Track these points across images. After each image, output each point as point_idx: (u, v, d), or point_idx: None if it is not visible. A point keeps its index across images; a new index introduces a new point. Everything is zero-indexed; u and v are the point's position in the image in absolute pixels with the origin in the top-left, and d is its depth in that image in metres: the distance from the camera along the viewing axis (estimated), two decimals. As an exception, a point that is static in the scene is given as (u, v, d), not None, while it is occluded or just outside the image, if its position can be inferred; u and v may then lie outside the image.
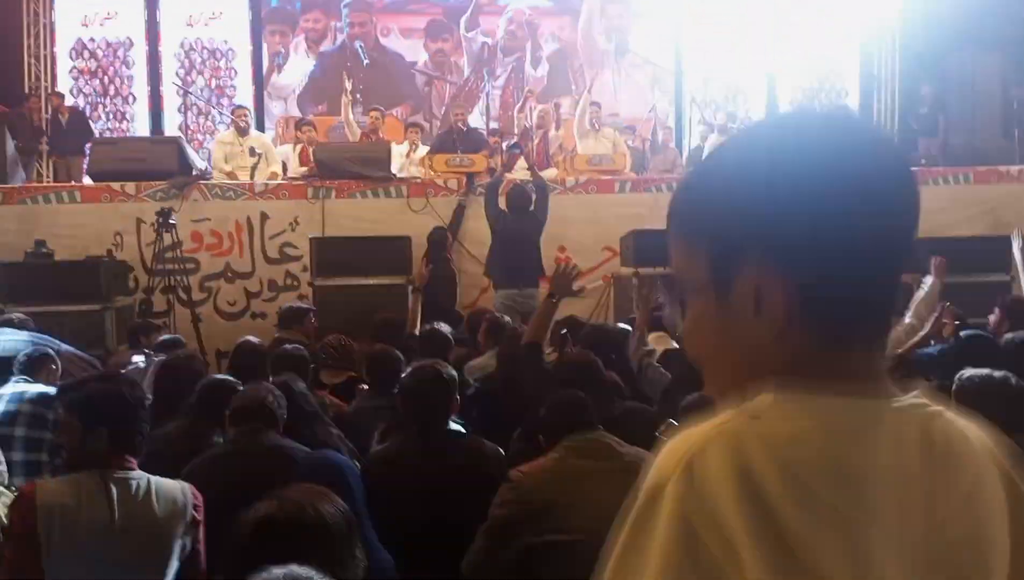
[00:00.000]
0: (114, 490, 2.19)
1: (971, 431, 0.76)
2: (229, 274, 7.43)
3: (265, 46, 10.88)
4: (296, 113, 10.63)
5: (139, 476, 2.27)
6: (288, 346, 4.54)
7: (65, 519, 2.13)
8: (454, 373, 3.00)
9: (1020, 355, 3.68)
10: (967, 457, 0.73)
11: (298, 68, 11.09)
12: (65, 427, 2.32)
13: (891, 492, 0.69)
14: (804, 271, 0.71)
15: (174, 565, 2.25)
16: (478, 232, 7.40)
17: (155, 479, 2.30)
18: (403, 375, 2.96)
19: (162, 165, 7.45)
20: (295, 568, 1.22)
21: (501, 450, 2.97)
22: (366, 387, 4.23)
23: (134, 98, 10.77)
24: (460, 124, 8.60)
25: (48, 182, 9.18)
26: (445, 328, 4.65)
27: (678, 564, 0.65)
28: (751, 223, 0.72)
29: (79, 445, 2.25)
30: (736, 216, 0.72)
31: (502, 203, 6.92)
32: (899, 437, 0.71)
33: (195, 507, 2.33)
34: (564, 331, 4.85)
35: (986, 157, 8.53)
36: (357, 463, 2.91)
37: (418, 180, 7.86)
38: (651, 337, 4.58)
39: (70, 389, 2.39)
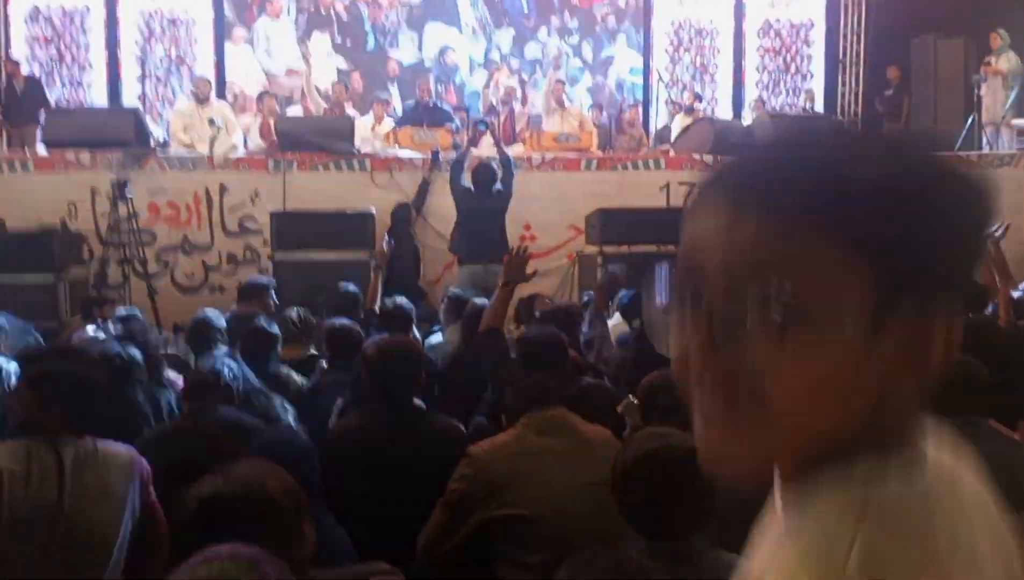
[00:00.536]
0: (63, 455, 2.19)
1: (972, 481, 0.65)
2: (187, 247, 7.28)
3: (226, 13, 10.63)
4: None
5: (86, 441, 2.27)
6: (254, 320, 4.46)
7: (13, 483, 2.12)
8: (421, 349, 2.96)
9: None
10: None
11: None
12: (20, 398, 2.31)
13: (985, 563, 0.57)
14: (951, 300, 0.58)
15: (127, 523, 2.26)
16: (442, 208, 7.33)
17: (102, 443, 2.31)
18: (369, 349, 2.91)
19: (119, 135, 7.26)
20: (239, 547, 1.17)
21: (462, 427, 2.95)
22: (325, 363, 4.18)
23: (91, 66, 10.47)
24: (427, 98, 8.51)
25: (0, 151, 8.91)
26: (407, 304, 4.59)
27: None
28: (918, 246, 0.54)
29: (29, 417, 2.25)
30: (940, 237, 0.55)
31: (467, 179, 6.86)
32: (966, 500, 0.60)
33: (141, 464, 2.36)
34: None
35: (948, 143, 8.63)
36: (313, 438, 2.87)
37: (382, 154, 7.75)
38: (611, 322, 4.58)
39: (31, 360, 2.39)
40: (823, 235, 0.54)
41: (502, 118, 8.97)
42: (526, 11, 11.20)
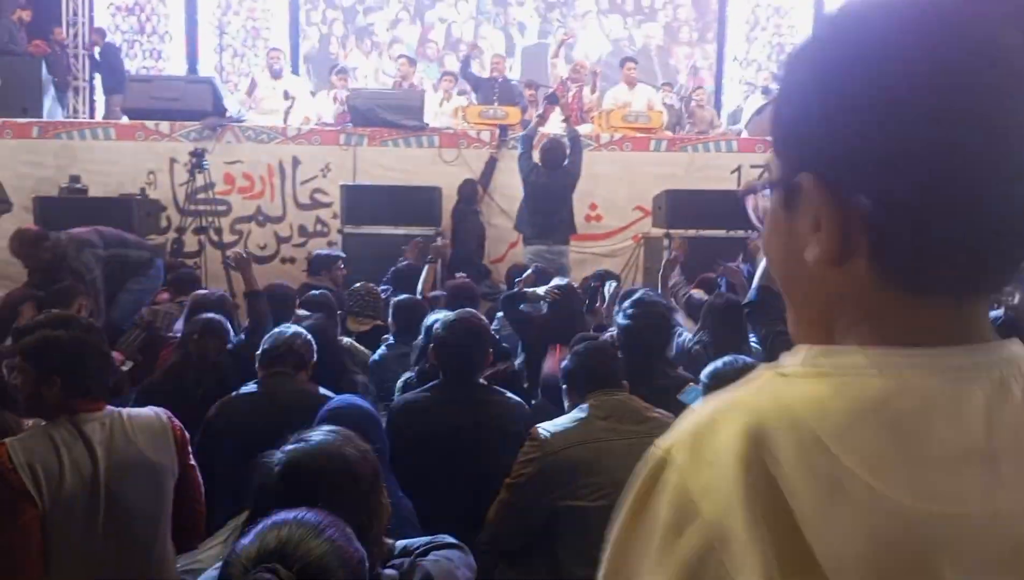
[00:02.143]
0: (90, 434, 2.10)
1: None
2: (260, 217, 7.46)
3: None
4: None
5: (108, 413, 2.18)
6: (317, 292, 4.57)
7: (49, 473, 2.01)
8: (488, 325, 2.99)
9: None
10: None
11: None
12: (20, 372, 2.17)
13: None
14: (870, 198, 0.57)
15: (168, 490, 2.22)
16: (509, 186, 7.34)
17: (126, 411, 2.22)
18: (437, 326, 2.95)
19: (196, 105, 7.44)
20: (306, 512, 1.21)
21: (525, 404, 2.98)
22: (391, 337, 4.25)
23: (170, 37, 10.74)
24: (498, 74, 8.51)
25: (83, 117, 9.22)
26: (471, 282, 4.63)
27: (674, 543, 0.57)
28: (814, 130, 0.59)
29: (35, 390, 2.13)
30: (803, 121, 0.60)
31: (535, 157, 6.85)
32: (959, 399, 0.58)
33: (175, 428, 2.27)
34: (594, 284, 4.84)
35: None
36: (382, 410, 2.93)
37: (451, 130, 7.79)
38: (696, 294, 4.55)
39: (23, 332, 2.21)
40: (774, 142, 0.65)
41: (571, 95, 8.91)
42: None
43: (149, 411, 2.27)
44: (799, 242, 0.62)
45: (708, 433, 0.59)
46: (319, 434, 1.52)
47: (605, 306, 4.13)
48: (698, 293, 4.47)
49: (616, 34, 10.90)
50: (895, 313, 0.60)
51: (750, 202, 0.68)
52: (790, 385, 0.61)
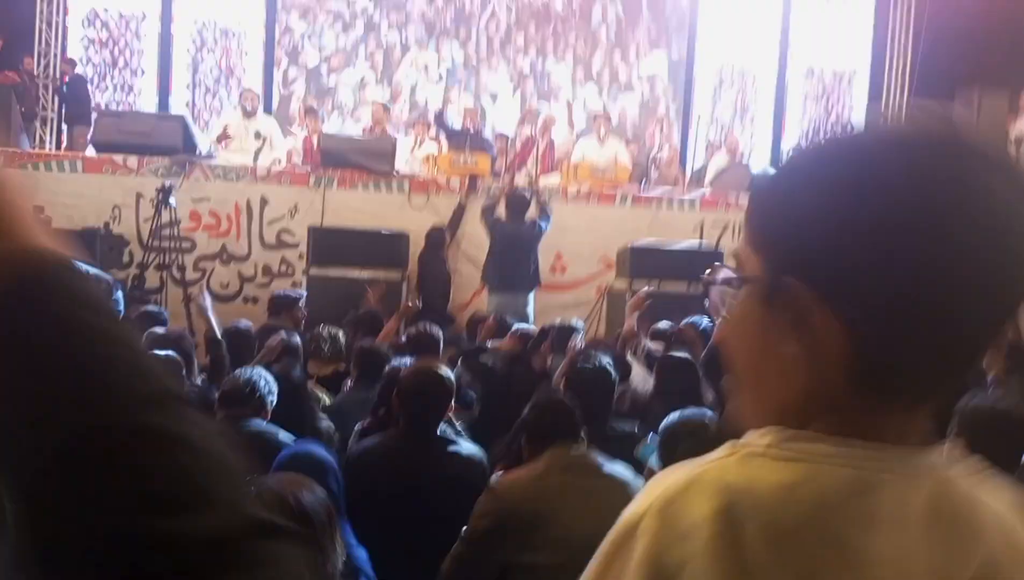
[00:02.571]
0: None
1: (993, 501, 0.67)
2: (225, 256, 7.42)
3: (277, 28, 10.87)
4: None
5: None
6: (285, 334, 4.55)
7: None
8: (453, 377, 3.01)
9: None
10: (980, 532, 0.65)
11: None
12: None
13: (882, 568, 0.62)
14: (854, 313, 0.62)
15: None
16: (476, 234, 7.41)
17: None
18: (402, 374, 2.96)
19: (166, 141, 7.43)
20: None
21: (484, 454, 2.98)
22: (351, 381, 4.24)
23: (142, 72, 10.74)
24: (470, 125, 8.63)
25: (49, 149, 9.15)
26: (435, 330, 4.64)
27: None
28: (809, 242, 0.64)
29: None
30: (796, 229, 0.65)
31: (500, 209, 6.94)
32: (901, 506, 0.63)
33: None
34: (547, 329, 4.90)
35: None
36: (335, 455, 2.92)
37: (421, 176, 7.86)
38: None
39: None
40: (747, 228, 0.70)
41: (542, 147, 9.05)
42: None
43: None
44: (772, 336, 0.66)
45: (682, 506, 0.62)
46: (273, 480, 1.53)
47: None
48: (654, 345, 4.54)
49: (592, 105, 11.11)
50: (858, 411, 0.64)
51: (713, 291, 0.74)
52: (762, 467, 0.64)
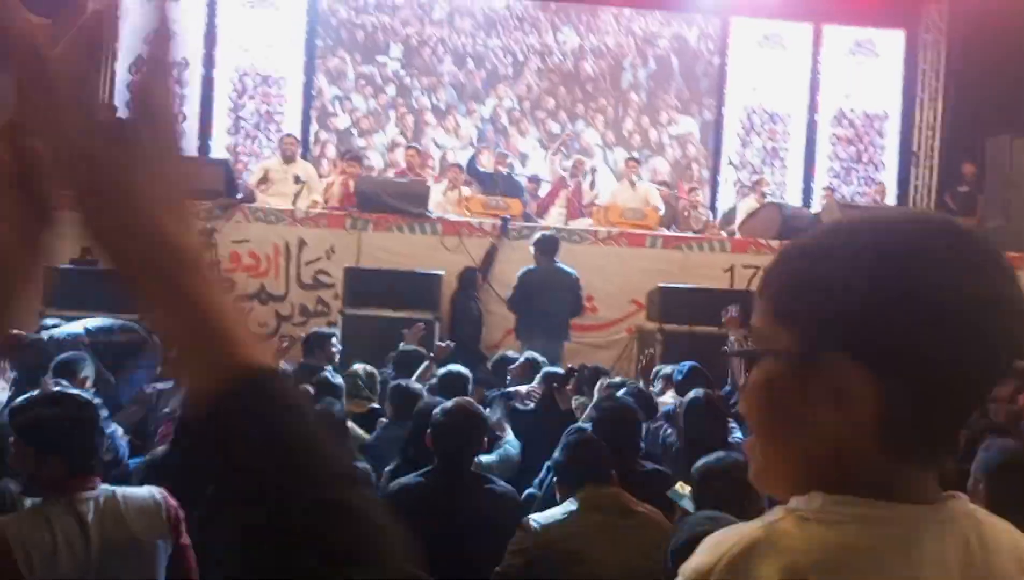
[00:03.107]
0: (84, 513, 2.11)
1: (1005, 535, 0.74)
2: (263, 296, 7.59)
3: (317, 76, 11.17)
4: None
5: (103, 492, 2.19)
6: (322, 374, 4.67)
7: (42, 553, 2.02)
8: (484, 413, 3.08)
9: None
10: (1004, 566, 0.72)
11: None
12: (18, 452, 2.20)
13: None
14: (892, 380, 0.69)
15: (160, 572, 2.23)
16: (506, 274, 7.52)
17: (121, 491, 2.24)
18: (436, 413, 3.04)
19: (209, 184, 7.65)
20: None
21: (516, 492, 3.05)
22: (385, 419, 4.33)
23: (185, 117, 11.08)
24: (502, 168, 8.80)
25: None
26: (464, 370, 4.73)
27: None
28: (852, 315, 0.70)
29: (35, 471, 2.18)
30: (838, 304, 0.70)
31: (532, 251, 7.06)
32: (942, 548, 0.70)
33: (169, 507, 2.28)
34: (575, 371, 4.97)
35: (1019, 243, 8.52)
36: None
37: (454, 218, 8.02)
38: (669, 395, 4.65)
39: (19, 411, 2.22)
40: (772, 300, 0.76)
41: (570, 190, 9.19)
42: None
43: (144, 491, 2.30)
44: (805, 405, 0.71)
45: (752, 565, 0.68)
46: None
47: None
48: (670, 395, 4.60)
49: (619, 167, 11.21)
50: (887, 472, 0.71)
51: (734, 362, 0.84)
52: (818, 530, 0.69)
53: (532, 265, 6.97)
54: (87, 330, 5.29)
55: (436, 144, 11.14)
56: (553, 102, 11.38)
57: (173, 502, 2.32)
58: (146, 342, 5.48)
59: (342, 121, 11.22)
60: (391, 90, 11.33)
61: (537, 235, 7.17)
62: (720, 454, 2.67)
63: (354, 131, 11.18)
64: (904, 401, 0.69)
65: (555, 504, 2.68)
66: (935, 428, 0.72)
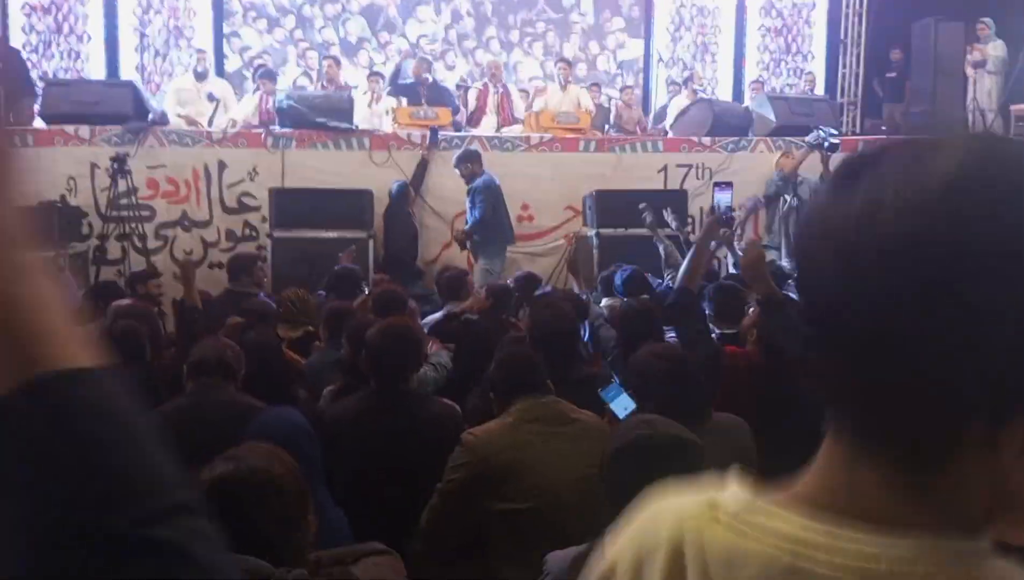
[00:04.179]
0: None
1: None
2: (186, 222, 7.31)
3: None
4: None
5: None
6: (256, 300, 4.53)
7: None
8: (421, 334, 3.02)
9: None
10: None
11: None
12: None
13: None
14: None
15: None
16: (440, 188, 7.37)
17: None
18: (370, 333, 2.97)
19: (117, 109, 7.26)
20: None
21: (457, 407, 3.01)
22: (320, 343, 4.24)
23: (89, 37, 10.41)
24: (427, 76, 8.51)
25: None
26: (399, 289, 4.64)
27: None
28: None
29: None
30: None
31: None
32: None
33: None
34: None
35: (944, 127, 8.65)
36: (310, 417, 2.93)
37: (381, 132, 7.77)
38: (603, 301, 4.65)
39: None
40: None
41: (499, 97, 8.95)
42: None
43: None
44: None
45: (648, 562, 0.63)
46: (244, 452, 1.54)
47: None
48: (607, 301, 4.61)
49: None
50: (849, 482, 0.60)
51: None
52: (716, 537, 0.61)
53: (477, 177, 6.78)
54: None
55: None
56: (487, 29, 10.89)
57: None
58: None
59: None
60: (289, 22, 10.70)
61: (460, 151, 6.96)
62: (649, 347, 2.65)
63: (246, 73, 10.33)
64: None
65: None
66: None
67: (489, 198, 6.70)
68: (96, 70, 10.19)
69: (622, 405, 2.50)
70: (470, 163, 6.80)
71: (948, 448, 0.54)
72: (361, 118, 7.97)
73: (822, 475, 0.59)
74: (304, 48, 10.46)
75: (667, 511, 0.65)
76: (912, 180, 0.53)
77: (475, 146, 7.16)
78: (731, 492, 0.62)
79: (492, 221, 6.72)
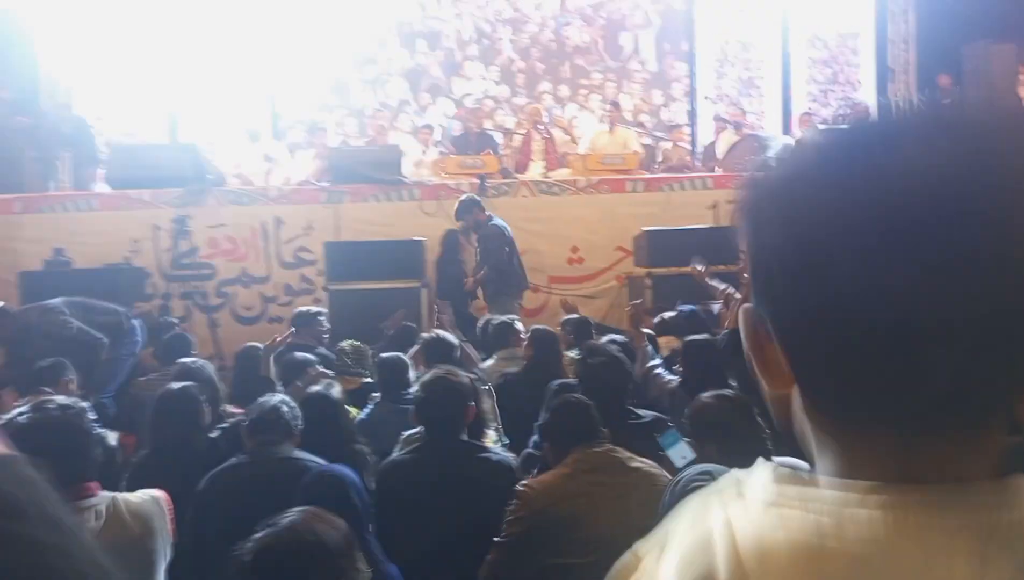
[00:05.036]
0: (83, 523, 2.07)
1: None
2: (245, 279, 7.49)
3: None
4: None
5: (102, 499, 2.14)
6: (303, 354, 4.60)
7: None
8: (467, 381, 3.02)
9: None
10: None
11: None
12: None
13: None
14: (784, 326, 0.58)
15: (162, 576, 2.21)
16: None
17: (121, 497, 2.20)
18: (416, 385, 2.99)
19: (178, 172, 7.52)
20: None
21: (512, 458, 3.00)
22: (377, 395, 4.27)
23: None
24: (474, 126, 8.64)
25: (67, 189, 9.27)
26: (448, 336, 4.66)
27: None
28: (750, 255, 0.60)
29: None
30: (748, 245, 0.61)
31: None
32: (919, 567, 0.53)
33: (170, 511, 2.27)
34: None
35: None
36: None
37: (430, 182, 7.89)
38: (661, 341, 4.60)
39: (6, 423, 2.17)
40: None
41: (543, 141, 9.01)
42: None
43: (146, 495, 2.27)
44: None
45: (688, 562, 0.59)
46: (288, 516, 1.55)
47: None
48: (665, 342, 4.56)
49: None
50: (841, 445, 0.59)
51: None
52: (765, 517, 0.58)
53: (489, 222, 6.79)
54: (67, 304, 5.26)
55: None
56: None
57: (169, 510, 2.29)
58: (121, 325, 5.41)
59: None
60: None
61: (458, 203, 6.95)
62: (707, 395, 2.59)
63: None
64: (798, 352, 0.61)
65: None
66: (851, 379, 0.59)
67: (502, 244, 6.69)
68: (158, 134, 10.56)
69: (679, 453, 2.46)
70: (472, 211, 6.83)
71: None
72: (410, 170, 8.11)
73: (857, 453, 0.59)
74: (343, 115, 10.37)
75: (691, 507, 0.64)
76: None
77: (474, 194, 7.15)
78: (753, 476, 0.62)
79: (506, 268, 6.70)
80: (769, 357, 0.60)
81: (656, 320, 5.13)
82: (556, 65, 11.10)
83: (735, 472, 0.64)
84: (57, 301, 5.22)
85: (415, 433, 3.35)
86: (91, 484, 2.17)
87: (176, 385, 3.54)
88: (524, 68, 11.07)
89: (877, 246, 0.53)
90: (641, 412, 3.27)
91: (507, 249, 6.76)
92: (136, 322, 5.60)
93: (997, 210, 0.52)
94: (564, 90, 11.01)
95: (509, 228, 6.87)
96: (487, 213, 6.86)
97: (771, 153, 0.63)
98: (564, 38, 11.17)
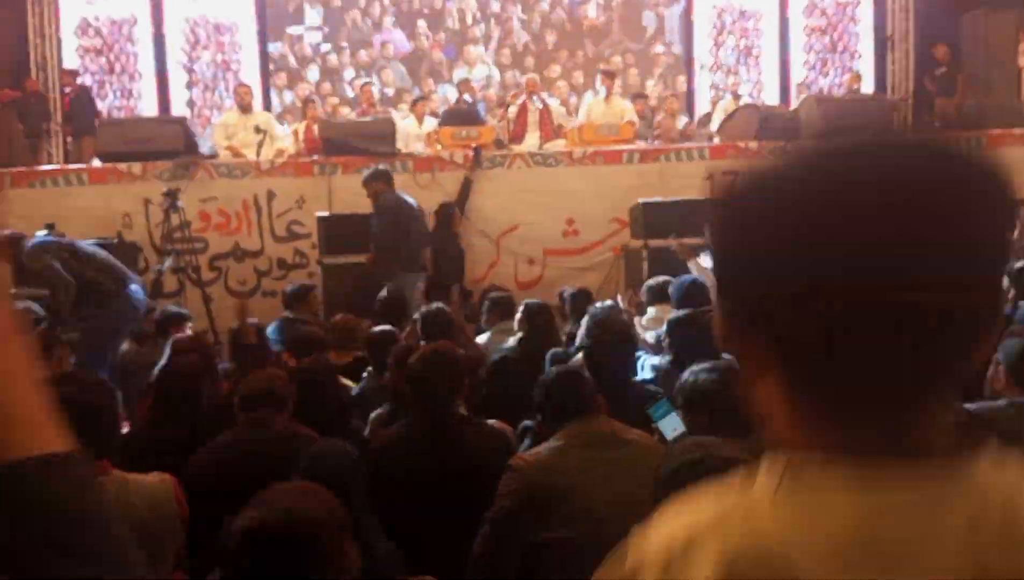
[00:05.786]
0: None
1: None
2: (238, 253, 7.44)
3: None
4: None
5: (112, 479, 2.13)
6: (304, 328, 4.57)
7: None
8: (461, 355, 2.99)
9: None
10: None
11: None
12: None
13: None
14: (770, 315, 0.61)
15: (170, 559, 2.21)
16: (485, 207, 7.37)
17: (132, 478, 2.20)
18: (409, 359, 2.95)
19: (168, 145, 7.44)
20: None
21: (509, 430, 2.98)
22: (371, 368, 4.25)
23: (140, 75, 10.72)
24: (467, 96, 8.54)
25: (59, 163, 9.19)
26: (446, 309, 4.62)
27: None
28: (730, 253, 0.66)
29: None
30: (730, 243, 0.68)
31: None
32: (932, 534, 0.57)
33: (178, 501, 2.26)
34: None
35: (1003, 118, 8.38)
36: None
37: (424, 154, 7.81)
38: (652, 311, 4.57)
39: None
40: None
41: (539, 112, 8.89)
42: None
43: (154, 478, 2.27)
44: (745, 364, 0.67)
45: (682, 559, 0.60)
46: (280, 494, 1.53)
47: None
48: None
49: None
50: (831, 434, 0.61)
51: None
52: (764, 508, 0.60)
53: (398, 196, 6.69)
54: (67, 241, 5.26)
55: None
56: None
57: (181, 495, 2.30)
58: (117, 293, 5.36)
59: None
60: (312, 73, 10.72)
61: (370, 170, 6.80)
62: (696, 368, 2.55)
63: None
64: (777, 344, 0.65)
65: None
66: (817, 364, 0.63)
67: (393, 219, 6.52)
68: (150, 107, 10.47)
69: (670, 426, 2.44)
70: (371, 184, 6.67)
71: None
72: (404, 141, 8.03)
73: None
74: (334, 104, 10.01)
75: (694, 507, 0.65)
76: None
77: (384, 166, 6.98)
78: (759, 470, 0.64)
79: (394, 244, 6.52)
80: (745, 350, 0.64)
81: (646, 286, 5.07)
82: (573, 48, 10.88)
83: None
84: (52, 238, 5.21)
85: (382, 412, 3.32)
86: (105, 462, 2.16)
87: (175, 360, 3.52)
88: (534, 50, 10.83)
89: (862, 236, 0.57)
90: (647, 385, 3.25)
91: (407, 225, 6.56)
92: (134, 287, 5.53)
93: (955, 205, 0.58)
94: (578, 77, 10.86)
95: (416, 204, 6.73)
96: (389, 187, 6.65)
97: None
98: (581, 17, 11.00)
